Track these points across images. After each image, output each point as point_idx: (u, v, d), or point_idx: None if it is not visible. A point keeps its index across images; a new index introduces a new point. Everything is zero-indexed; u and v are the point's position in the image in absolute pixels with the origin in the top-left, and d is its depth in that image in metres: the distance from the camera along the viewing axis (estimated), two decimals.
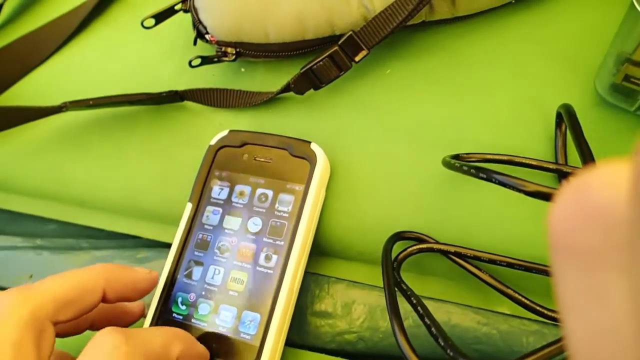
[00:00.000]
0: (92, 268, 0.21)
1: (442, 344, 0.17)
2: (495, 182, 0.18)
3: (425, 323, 0.18)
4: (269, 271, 0.24)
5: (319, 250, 0.28)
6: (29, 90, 0.36)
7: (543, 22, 0.28)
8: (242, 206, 0.26)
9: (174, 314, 0.25)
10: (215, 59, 0.30)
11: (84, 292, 0.20)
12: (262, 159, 0.27)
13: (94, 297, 0.20)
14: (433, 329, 0.18)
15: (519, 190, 0.18)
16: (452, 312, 0.26)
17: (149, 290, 0.23)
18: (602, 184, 0.08)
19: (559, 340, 0.19)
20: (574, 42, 0.27)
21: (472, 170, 0.20)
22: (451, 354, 0.16)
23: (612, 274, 0.08)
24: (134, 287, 0.22)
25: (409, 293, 0.21)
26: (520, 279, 0.24)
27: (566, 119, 0.22)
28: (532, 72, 0.27)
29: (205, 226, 0.26)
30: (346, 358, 0.26)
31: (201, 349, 0.23)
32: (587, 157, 0.19)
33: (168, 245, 0.27)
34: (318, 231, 0.27)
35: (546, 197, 0.18)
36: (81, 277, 0.20)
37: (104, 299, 0.21)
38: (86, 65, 0.35)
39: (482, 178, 0.19)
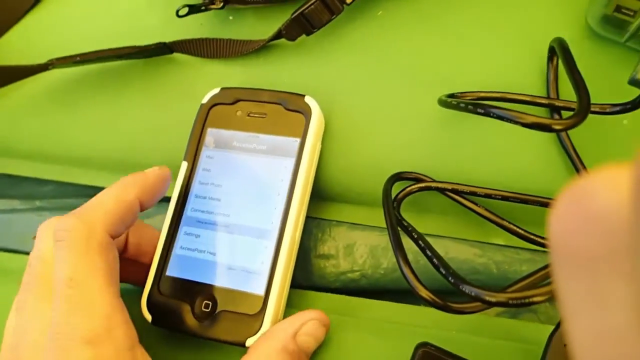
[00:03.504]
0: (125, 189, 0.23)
1: (444, 272, 0.18)
2: (493, 117, 0.19)
3: (427, 255, 0.19)
4: (269, 226, 0.25)
5: (320, 194, 0.28)
6: (9, 50, 0.35)
7: None
8: (237, 162, 0.27)
9: (175, 273, 0.25)
10: (203, 7, 0.29)
11: (127, 207, 0.22)
12: (257, 115, 0.27)
13: (134, 210, 0.23)
14: (435, 259, 0.19)
15: (517, 123, 0.18)
16: (449, 247, 0.27)
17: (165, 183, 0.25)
18: (603, 188, 0.07)
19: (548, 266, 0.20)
20: None
21: (469, 107, 0.20)
22: (452, 280, 0.17)
23: (615, 279, 0.07)
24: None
25: (410, 229, 0.22)
26: (514, 210, 0.25)
27: (559, 52, 0.22)
28: (523, 7, 0.27)
29: (202, 183, 0.27)
30: (350, 295, 0.27)
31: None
32: (581, 90, 0.19)
33: (168, 200, 0.27)
34: (318, 176, 0.27)
35: (543, 127, 0.18)
36: (118, 194, 0.22)
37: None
38: (68, 20, 0.33)
39: (480, 113, 0.20)
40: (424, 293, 0.18)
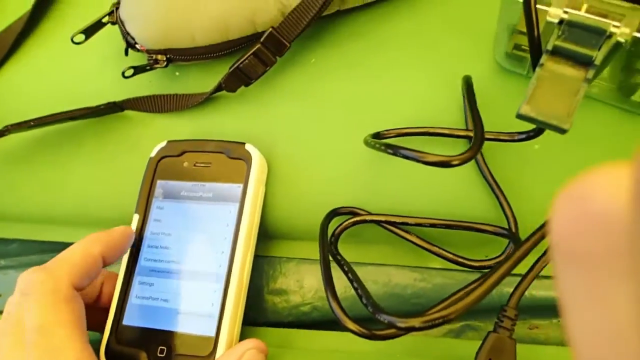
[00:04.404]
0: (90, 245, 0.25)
1: (365, 302, 0.19)
2: (400, 156, 0.21)
3: (353, 286, 0.21)
4: (217, 270, 0.26)
5: (269, 234, 0.30)
6: None
7: (447, 0, 0.31)
8: (186, 211, 0.28)
9: (131, 322, 0.27)
10: (148, 67, 0.31)
11: (92, 262, 0.24)
12: (202, 164, 0.29)
13: (98, 265, 0.25)
14: (359, 290, 0.20)
15: (419, 161, 0.20)
16: (391, 274, 0.29)
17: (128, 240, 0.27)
18: (602, 188, 0.07)
19: (472, 283, 0.22)
20: (474, 17, 0.30)
21: (382, 147, 0.22)
22: (371, 309, 0.19)
23: (615, 278, 0.07)
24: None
25: (342, 263, 0.23)
26: (445, 235, 0.27)
27: (464, 89, 0.24)
28: (441, 48, 0.30)
29: (154, 233, 0.28)
30: (305, 327, 0.29)
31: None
32: (477, 125, 0.21)
33: None
34: (265, 217, 0.29)
35: (443, 164, 0.20)
36: (84, 250, 0.24)
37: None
38: (23, 86, 0.35)
39: (390, 153, 0.21)
40: (350, 325, 0.20)
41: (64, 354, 0.21)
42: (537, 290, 0.27)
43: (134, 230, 0.28)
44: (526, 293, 0.26)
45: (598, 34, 0.19)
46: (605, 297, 0.08)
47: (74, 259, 0.24)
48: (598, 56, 0.19)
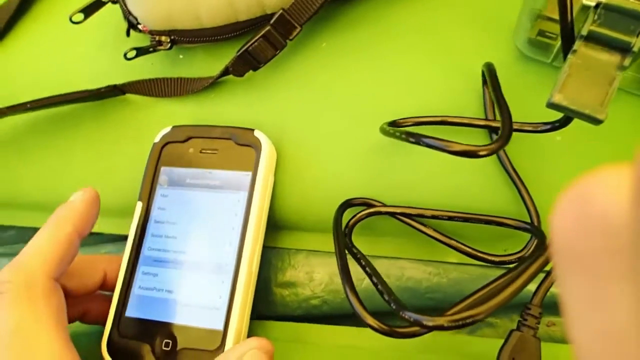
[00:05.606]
0: (60, 228, 0.23)
1: (387, 298, 0.18)
2: (423, 145, 0.20)
3: (372, 281, 0.20)
4: (225, 260, 0.25)
5: (277, 224, 0.29)
6: None
7: None
8: (192, 199, 0.27)
9: (134, 314, 0.26)
10: (151, 49, 0.30)
11: (66, 246, 0.22)
12: (209, 151, 0.28)
13: (74, 245, 0.23)
14: (379, 286, 0.19)
15: (445, 151, 0.19)
16: (405, 267, 0.28)
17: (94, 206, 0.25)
18: (603, 190, 0.08)
19: (497, 279, 0.21)
20: (492, 2, 0.28)
21: (403, 136, 0.21)
22: (394, 307, 0.18)
23: (616, 279, 0.08)
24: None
25: (358, 256, 0.22)
26: (462, 229, 0.26)
27: (487, 77, 0.23)
28: (458, 34, 0.29)
29: (158, 222, 0.27)
30: (313, 321, 0.28)
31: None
32: (505, 115, 0.20)
33: (126, 238, 0.27)
34: (273, 207, 0.28)
35: (470, 154, 0.19)
36: (55, 235, 0.22)
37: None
38: (18, 67, 0.34)
39: (412, 142, 0.20)
40: (370, 321, 0.19)
41: (40, 353, 0.20)
42: (554, 287, 0.26)
43: (139, 219, 0.27)
44: None
45: (637, 19, 0.18)
46: (606, 297, 0.08)
47: (45, 248, 0.22)
48: (636, 43, 0.18)
